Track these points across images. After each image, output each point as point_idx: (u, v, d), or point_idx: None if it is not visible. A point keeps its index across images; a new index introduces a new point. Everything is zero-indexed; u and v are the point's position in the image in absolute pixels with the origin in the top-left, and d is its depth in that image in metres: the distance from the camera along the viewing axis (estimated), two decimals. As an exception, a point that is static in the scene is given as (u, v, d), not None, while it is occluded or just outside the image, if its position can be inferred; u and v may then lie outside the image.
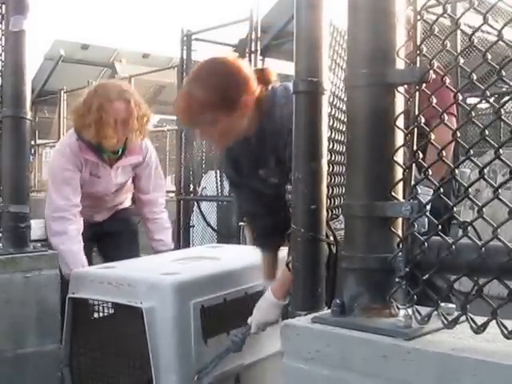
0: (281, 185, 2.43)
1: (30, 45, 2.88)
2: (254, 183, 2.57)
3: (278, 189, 2.47)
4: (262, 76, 2.39)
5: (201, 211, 7.19)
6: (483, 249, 1.20)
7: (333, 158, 1.88)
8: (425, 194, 1.33)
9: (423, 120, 1.29)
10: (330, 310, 1.41)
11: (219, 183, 7.10)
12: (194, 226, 7.38)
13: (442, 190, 1.25)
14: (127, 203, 3.95)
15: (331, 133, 1.84)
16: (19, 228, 2.81)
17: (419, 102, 1.28)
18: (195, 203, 7.42)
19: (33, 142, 13.78)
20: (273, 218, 2.62)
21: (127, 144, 3.56)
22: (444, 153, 1.22)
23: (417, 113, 1.31)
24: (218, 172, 7.10)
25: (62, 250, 3.23)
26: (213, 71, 2.39)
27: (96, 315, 2.79)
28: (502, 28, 1.18)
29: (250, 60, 7.11)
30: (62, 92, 12.46)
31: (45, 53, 13.48)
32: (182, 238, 7.19)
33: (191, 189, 7.45)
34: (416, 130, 1.31)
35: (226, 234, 6.74)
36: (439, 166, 1.29)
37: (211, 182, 7.31)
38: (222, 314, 2.67)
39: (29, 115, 2.92)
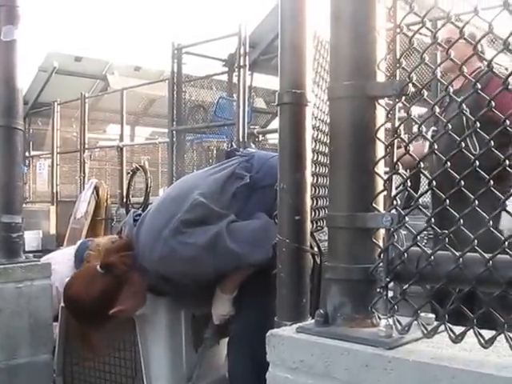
0: None
1: (21, 55, 2.90)
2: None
3: None
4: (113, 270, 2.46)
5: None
6: (461, 259, 1.22)
7: (317, 170, 1.90)
8: None
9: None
10: (313, 320, 1.43)
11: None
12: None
13: None
14: None
15: (315, 145, 1.86)
16: (11, 238, 2.82)
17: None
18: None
19: (27, 154, 13.78)
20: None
21: None
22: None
23: (396, 125, 1.33)
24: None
25: None
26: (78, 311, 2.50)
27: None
28: (478, 42, 1.20)
29: (238, 74, 7.16)
30: (56, 104, 12.48)
31: (39, 65, 13.50)
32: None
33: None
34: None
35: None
36: None
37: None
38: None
39: (21, 125, 2.93)
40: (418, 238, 1.30)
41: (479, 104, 1.21)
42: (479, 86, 1.19)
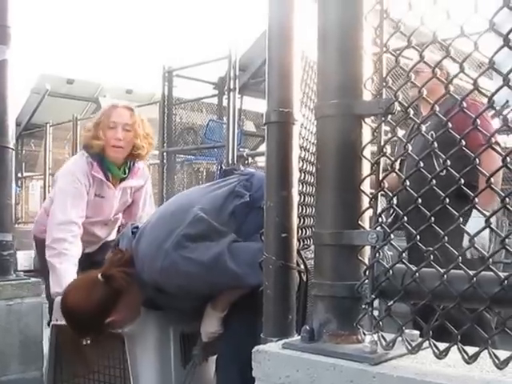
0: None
1: (13, 75, 2.92)
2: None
3: None
4: (114, 281, 2.45)
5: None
6: (445, 276, 1.23)
7: (304, 189, 1.92)
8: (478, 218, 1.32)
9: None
10: (299, 337, 1.44)
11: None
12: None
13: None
14: (113, 236, 3.96)
15: (302, 164, 1.88)
16: (2, 256, 2.82)
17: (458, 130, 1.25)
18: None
19: (20, 175, 13.78)
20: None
21: (131, 165, 3.66)
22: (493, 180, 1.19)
23: (382, 143, 1.35)
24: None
25: (58, 269, 3.23)
26: (74, 317, 2.50)
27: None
28: (463, 62, 1.22)
29: (228, 97, 7.20)
30: (48, 125, 12.51)
31: (31, 87, 13.55)
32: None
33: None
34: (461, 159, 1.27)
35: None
36: (489, 195, 1.30)
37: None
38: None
39: (12, 144, 2.94)
40: (404, 255, 1.32)
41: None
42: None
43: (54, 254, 3.31)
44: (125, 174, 3.66)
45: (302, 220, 1.89)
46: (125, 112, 3.55)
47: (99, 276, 2.43)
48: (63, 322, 2.72)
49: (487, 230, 1.20)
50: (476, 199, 1.22)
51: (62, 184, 3.55)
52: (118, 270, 2.44)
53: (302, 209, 1.89)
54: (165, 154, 8.61)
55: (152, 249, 2.34)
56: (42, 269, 3.37)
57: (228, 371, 2.39)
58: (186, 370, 2.61)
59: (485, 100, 1.20)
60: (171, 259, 2.28)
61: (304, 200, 1.91)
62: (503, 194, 1.15)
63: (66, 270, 3.23)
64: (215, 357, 2.57)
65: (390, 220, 1.39)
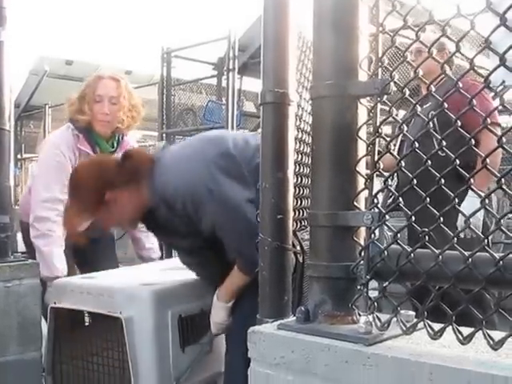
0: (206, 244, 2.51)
1: (9, 56, 2.89)
2: (179, 243, 2.67)
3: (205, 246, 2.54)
4: (132, 162, 2.49)
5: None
6: (440, 257, 1.23)
7: (300, 170, 1.91)
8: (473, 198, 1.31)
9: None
10: (295, 317, 1.44)
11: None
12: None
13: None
14: None
15: (298, 145, 1.87)
16: (0, 238, 2.81)
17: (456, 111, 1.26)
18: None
19: (19, 156, 13.75)
20: (208, 268, 2.69)
21: (120, 138, 3.55)
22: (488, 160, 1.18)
23: (378, 123, 1.35)
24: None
25: (44, 251, 3.18)
26: (74, 184, 2.57)
27: (77, 324, 2.80)
28: (459, 41, 1.22)
29: (227, 78, 7.16)
30: (47, 107, 12.46)
31: (30, 68, 13.47)
32: (164, 251, 7.23)
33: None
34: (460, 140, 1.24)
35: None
36: (486, 176, 1.29)
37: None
38: (199, 323, 2.70)
39: (8, 126, 2.91)
40: (399, 236, 1.32)
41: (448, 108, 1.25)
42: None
43: (38, 234, 3.25)
44: (113, 147, 3.53)
45: (299, 201, 1.89)
46: (111, 83, 3.42)
47: (119, 156, 2.50)
48: (61, 305, 2.74)
49: (481, 212, 1.20)
50: (472, 180, 1.21)
51: (44, 158, 3.44)
52: (139, 155, 2.50)
53: (299, 190, 1.89)
54: (164, 135, 8.59)
55: (193, 163, 2.34)
56: (29, 256, 3.29)
57: (237, 349, 2.39)
58: (194, 358, 2.62)
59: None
60: (199, 170, 2.29)
61: (300, 181, 1.91)
62: (499, 175, 1.14)
63: (51, 253, 3.20)
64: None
65: (389, 201, 1.39)
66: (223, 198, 2.27)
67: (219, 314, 2.52)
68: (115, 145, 3.53)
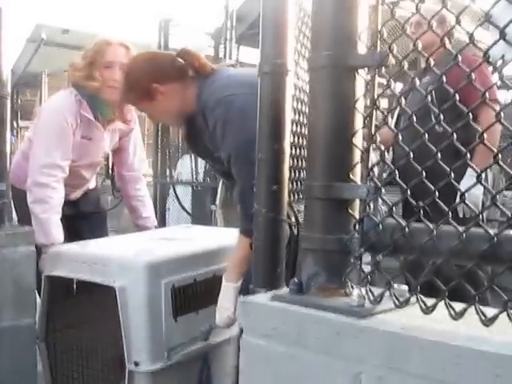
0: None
1: (7, 23, 2.85)
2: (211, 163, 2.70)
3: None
4: (189, 59, 2.50)
5: (176, 195, 7.23)
6: (434, 232, 1.22)
7: (297, 141, 1.90)
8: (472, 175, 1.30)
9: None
10: (288, 289, 1.44)
11: (194, 168, 7.13)
12: (169, 209, 7.41)
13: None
14: (94, 183, 3.89)
15: (296, 115, 1.86)
16: (-5, 206, 2.79)
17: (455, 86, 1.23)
18: (171, 187, 7.45)
19: (15, 124, 13.67)
20: None
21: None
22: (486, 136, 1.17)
23: (375, 96, 1.33)
24: (193, 157, 7.13)
25: (41, 219, 3.14)
26: (128, 69, 2.67)
27: (71, 293, 2.80)
28: (459, 14, 1.20)
29: (225, 48, 7.11)
30: (44, 75, 12.38)
31: (27, 36, 13.35)
32: (158, 221, 7.25)
33: (167, 173, 7.47)
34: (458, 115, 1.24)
35: (200, 218, 6.77)
36: (485, 153, 1.28)
37: (186, 167, 7.34)
38: (192, 293, 2.70)
39: (7, 94, 2.89)
40: (394, 210, 1.31)
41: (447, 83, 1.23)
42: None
43: (35, 200, 3.20)
44: (114, 114, 3.47)
45: (296, 173, 1.88)
46: (120, 50, 3.35)
47: (176, 56, 2.51)
48: (56, 273, 2.74)
49: (481, 190, 1.19)
50: (469, 156, 1.20)
51: (46, 122, 3.36)
52: (197, 56, 2.52)
53: (295, 161, 1.88)
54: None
55: (241, 96, 2.30)
56: (21, 222, 3.26)
57: None
58: (188, 341, 2.62)
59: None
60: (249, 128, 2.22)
61: (297, 152, 1.90)
62: (495, 150, 1.13)
63: (48, 220, 3.15)
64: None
65: (385, 175, 1.38)
66: (244, 146, 2.19)
67: (227, 295, 2.43)
68: (116, 112, 3.48)
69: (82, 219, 3.71)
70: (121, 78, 3.22)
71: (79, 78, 3.33)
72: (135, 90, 2.53)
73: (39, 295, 2.89)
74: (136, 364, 2.50)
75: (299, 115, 1.90)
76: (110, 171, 4.98)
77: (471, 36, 1.17)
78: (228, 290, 2.43)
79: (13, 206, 3.47)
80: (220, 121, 2.29)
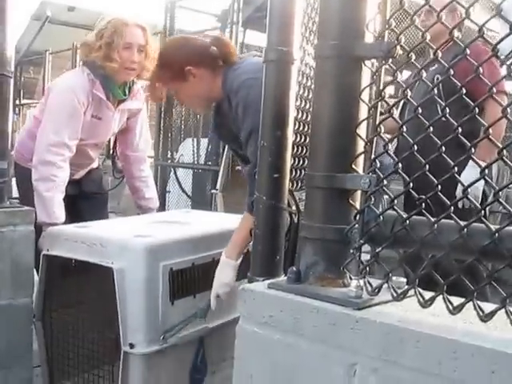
0: None
1: (12, 2, 2.83)
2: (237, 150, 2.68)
3: None
4: (222, 48, 2.55)
5: (177, 178, 7.22)
6: (435, 225, 1.22)
7: (301, 129, 1.89)
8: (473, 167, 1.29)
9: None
10: (285, 277, 1.44)
11: (195, 151, 7.11)
12: (169, 192, 7.40)
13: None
14: (97, 163, 3.88)
15: (300, 102, 1.85)
16: (-4, 183, 2.78)
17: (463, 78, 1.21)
18: (172, 169, 7.44)
19: (18, 102, 13.62)
20: None
21: (131, 86, 3.48)
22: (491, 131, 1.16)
23: (381, 87, 1.32)
24: (195, 140, 7.11)
25: (45, 197, 3.15)
26: (163, 49, 2.77)
27: (69, 273, 2.80)
28: (469, 7, 1.19)
29: (231, 31, 7.07)
30: (47, 53, 12.31)
31: (31, 13, 13.27)
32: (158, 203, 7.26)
33: (169, 155, 7.46)
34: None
35: (200, 201, 6.77)
36: (489, 147, 1.27)
37: (188, 150, 7.32)
38: (190, 277, 2.70)
39: (11, 72, 2.86)
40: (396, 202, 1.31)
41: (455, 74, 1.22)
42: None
43: (40, 178, 3.20)
44: (125, 95, 3.48)
45: (298, 161, 1.87)
46: (138, 31, 3.35)
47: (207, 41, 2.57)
48: (54, 253, 2.74)
49: (482, 181, 1.18)
50: (474, 150, 1.20)
51: (57, 100, 3.34)
52: (230, 45, 2.62)
53: (298, 149, 1.87)
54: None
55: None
56: (23, 200, 3.25)
57: None
58: (185, 319, 2.62)
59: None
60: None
61: (300, 140, 1.89)
62: (500, 146, 1.13)
63: (52, 199, 3.16)
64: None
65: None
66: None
67: (226, 272, 2.49)
68: (127, 92, 3.48)
69: (84, 199, 3.71)
70: (139, 59, 3.26)
71: (97, 59, 3.30)
72: (170, 69, 2.58)
73: (37, 273, 2.89)
74: (131, 346, 2.50)
75: (305, 102, 1.89)
76: (111, 151, 4.97)
77: (481, 29, 1.16)
78: (227, 265, 2.48)
79: (15, 183, 3.48)
80: (241, 103, 2.34)
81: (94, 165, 3.82)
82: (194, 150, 7.13)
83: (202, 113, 2.91)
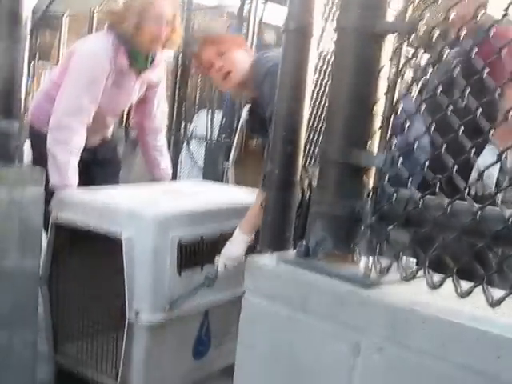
0: None
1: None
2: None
3: None
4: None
5: (189, 149, 7.21)
6: (450, 206, 1.20)
7: (318, 102, 1.87)
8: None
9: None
10: (295, 251, 1.42)
11: (209, 124, 7.08)
12: (181, 163, 7.38)
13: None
14: (111, 131, 3.86)
15: (319, 75, 1.82)
16: (8, 144, 2.76)
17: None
18: (185, 140, 7.41)
19: (32, 63, 13.58)
20: None
21: (154, 56, 3.45)
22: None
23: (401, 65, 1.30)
24: (210, 112, 7.08)
25: (59, 160, 3.13)
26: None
27: (77, 239, 2.80)
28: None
29: (250, 5, 7.01)
30: (64, 17, 12.27)
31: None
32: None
33: (183, 126, 7.43)
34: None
35: (212, 174, 6.75)
36: (508, 132, 1.25)
37: (202, 122, 7.29)
38: (198, 249, 2.70)
39: (25, 34, 2.83)
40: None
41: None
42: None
43: (56, 141, 3.17)
44: (147, 65, 3.43)
45: (313, 135, 1.85)
46: (167, 3, 3.29)
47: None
48: (64, 216, 2.74)
49: (496, 169, 1.17)
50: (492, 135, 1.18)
51: (80, 65, 3.27)
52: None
53: (315, 123, 1.85)
54: (180, 57, 8.43)
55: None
56: (35, 164, 3.22)
57: None
58: (193, 288, 2.62)
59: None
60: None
61: (317, 113, 1.87)
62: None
63: (66, 162, 3.14)
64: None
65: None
66: None
67: (239, 245, 2.53)
68: (150, 62, 3.45)
69: (98, 166, 3.69)
70: (166, 32, 3.25)
71: (127, 29, 3.25)
72: (219, 45, 2.75)
73: (46, 235, 2.89)
74: (137, 313, 2.51)
75: (324, 75, 1.87)
76: (125, 121, 4.96)
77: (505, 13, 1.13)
78: (239, 238, 2.53)
79: (30, 145, 3.47)
80: (267, 88, 2.36)
81: (109, 133, 3.80)
82: (207, 123, 7.10)
83: (239, 94, 3.04)
